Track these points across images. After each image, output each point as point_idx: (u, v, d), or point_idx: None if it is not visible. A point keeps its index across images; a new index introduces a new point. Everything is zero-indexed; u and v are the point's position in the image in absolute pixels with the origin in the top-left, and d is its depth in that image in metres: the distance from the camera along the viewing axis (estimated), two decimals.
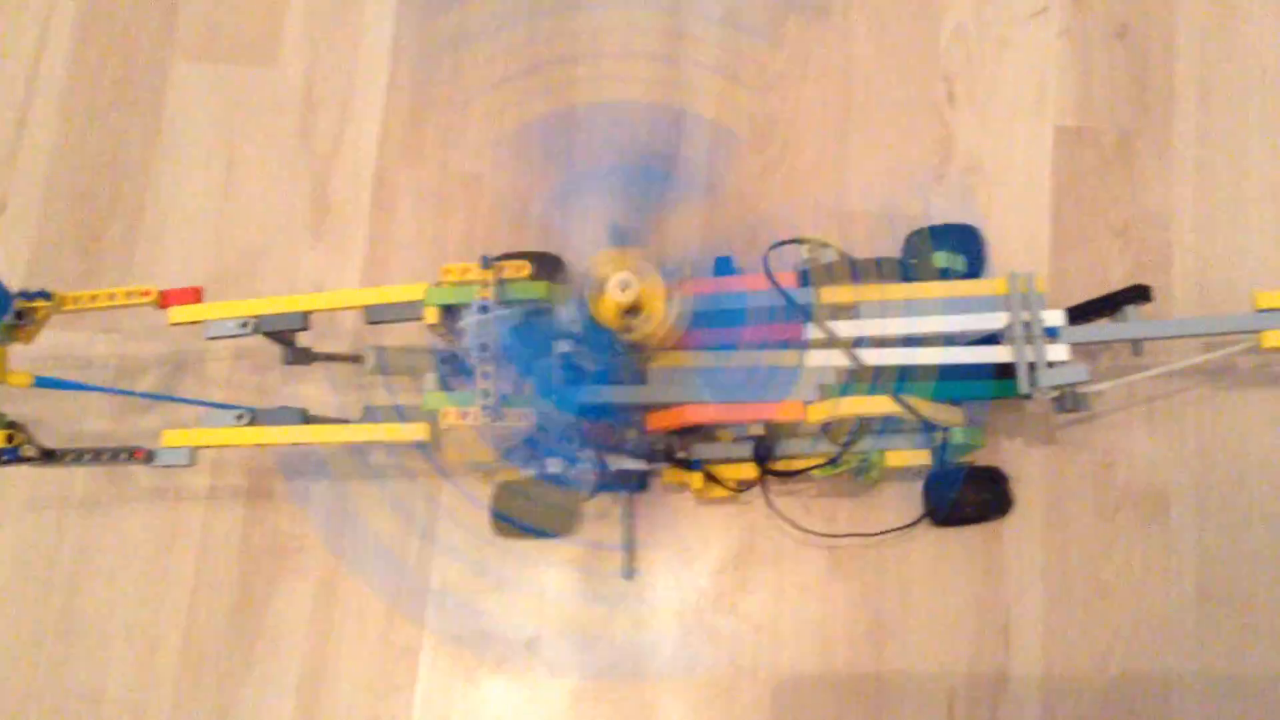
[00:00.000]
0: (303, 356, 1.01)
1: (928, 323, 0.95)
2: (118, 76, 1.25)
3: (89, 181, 1.23)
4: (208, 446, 0.95)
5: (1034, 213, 1.17)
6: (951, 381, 0.95)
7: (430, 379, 0.95)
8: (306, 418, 0.97)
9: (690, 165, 1.16)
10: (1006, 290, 0.96)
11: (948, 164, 1.19)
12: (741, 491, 1.06)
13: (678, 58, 1.21)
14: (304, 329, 0.97)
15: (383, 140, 1.22)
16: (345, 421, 0.97)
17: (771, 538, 1.12)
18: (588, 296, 0.83)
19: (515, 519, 1.06)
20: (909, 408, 0.92)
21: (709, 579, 1.12)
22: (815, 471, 1.00)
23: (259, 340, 1.13)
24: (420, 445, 0.95)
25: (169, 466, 0.95)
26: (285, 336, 0.98)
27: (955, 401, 0.97)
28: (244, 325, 0.95)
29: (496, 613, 1.12)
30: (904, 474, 1.09)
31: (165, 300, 0.96)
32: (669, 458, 1.00)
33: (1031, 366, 0.94)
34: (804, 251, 0.99)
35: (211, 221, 1.21)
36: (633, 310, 0.83)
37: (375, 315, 0.95)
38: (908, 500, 1.11)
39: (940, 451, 1.02)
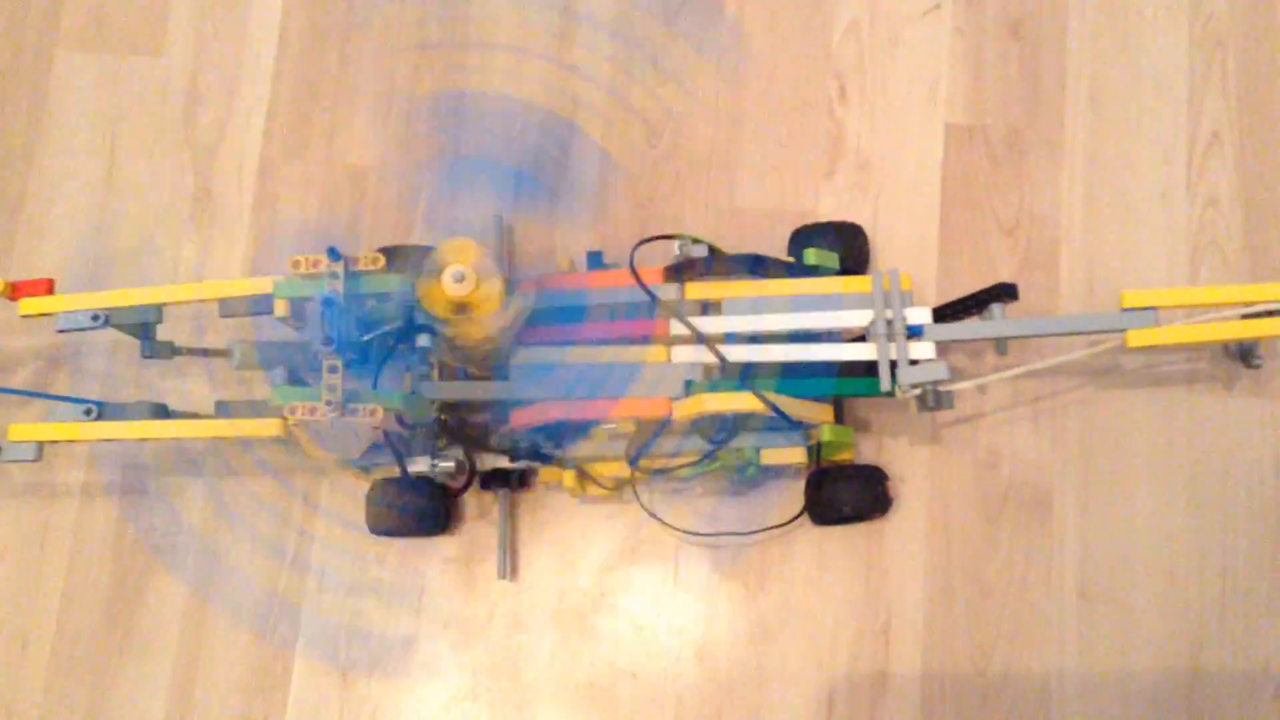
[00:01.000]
0: (164, 349, 0.99)
1: (792, 319, 0.94)
2: (0, 65, 1.23)
3: None
4: (54, 441, 0.93)
5: (923, 211, 1.16)
6: (815, 379, 0.94)
7: (279, 373, 0.94)
8: (165, 412, 0.95)
9: (581, 162, 1.14)
10: (870, 289, 0.95)
11: (838, 161, 1.18)
12: (616, 490, 1.05)
13: (569, 50, 1.20)
14: (158, 321, 0.95)
15: (267, 132, 1.21)
16: (199, 417, 0.95)
17: (655, 537, 1.11)
18: (421, 279, 0.81)
19: (389, 517, 1.04)
20: (772, 406, 0.91)
21: (591, 578, 1.10)
22: (687, 470, 0.99)
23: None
24: (281, 441, 0.93)
25: (13, 461, 0.93)
26: (142, 330, 0.96)
27: (821, 399, 0.96)
28: (95, 318, 0.93)
29: (373, 611, 1.10)
30: (786, 472, 1.08)
31: (15, 291, 0.93)
32: (537, 455, 0.99)
33: (893, 365, 0.93)
34: (677, 247, 0.98)
35: (94, 212, 1.18)
36: (462, 307, 0.82)
37: (227, 309, 0.94)
38: (791, 500, 1.10)
39: (816, 450, 1.01)
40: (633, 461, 1.00)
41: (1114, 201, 1.17)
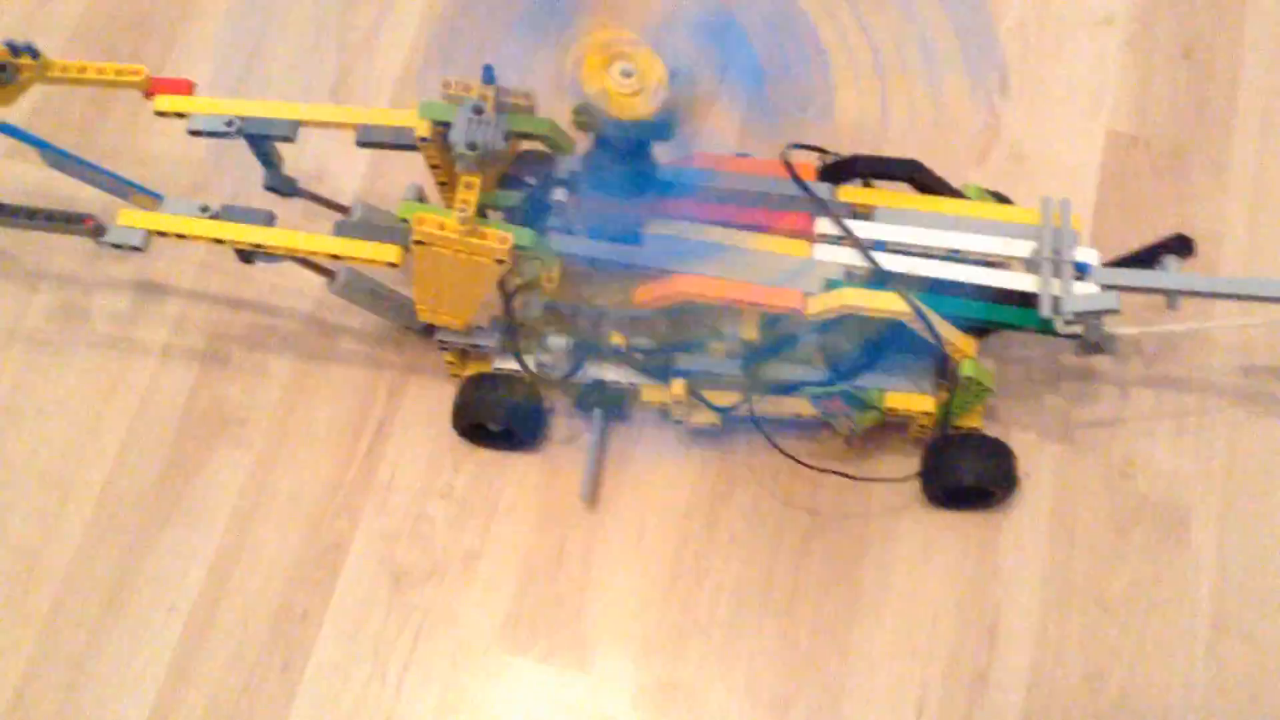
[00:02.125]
0: (285, 184, 0.95)
1: (949, 238, 0.88)
2: None
3: (114, 39, 1.21)
4: (163, 233, 0.88)
5: (1076, 210, 1.10)
6: (966, 301, 0.87)
7: (411, 188, 0.89)
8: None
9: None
10: (1038, 220, 0.89)
11: (991, 149, 1.14)
12: (729, 412, 0.97)
13: None
14: (290, 139, 0.91)
15: (415, 43, 1.20)
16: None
17: (750, 491, 1.02)
18: (589, 56, 0.75)
19: (479, 410, 0.97)
20: (919, 311, 0.84)
21: (674, 523, 1.02)
22: (809, 390, 0.92)
23: (246, 203, 1.09)
24: (391, 266, 0.86)
25: (118, 246, 0.88)
26: (269, 149, 0.93)
27: (968, 329, 0.89)
28: (229, 124, 0.90)
29: (439, 519, 1.02)
30: (901, 443, 1.01)
31: (154, 87, 0.91)
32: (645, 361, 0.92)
33: (1056, 300, 0.86)
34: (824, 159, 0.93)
35: (229, 94, 1.17)
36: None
37: (367, 136, 0.90)
38: (904, 467, 1.02)
39: (945, 406, 0.93)
40: (747, 364, 0.92)
41: (1278, 227, 1.10)
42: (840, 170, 0.90)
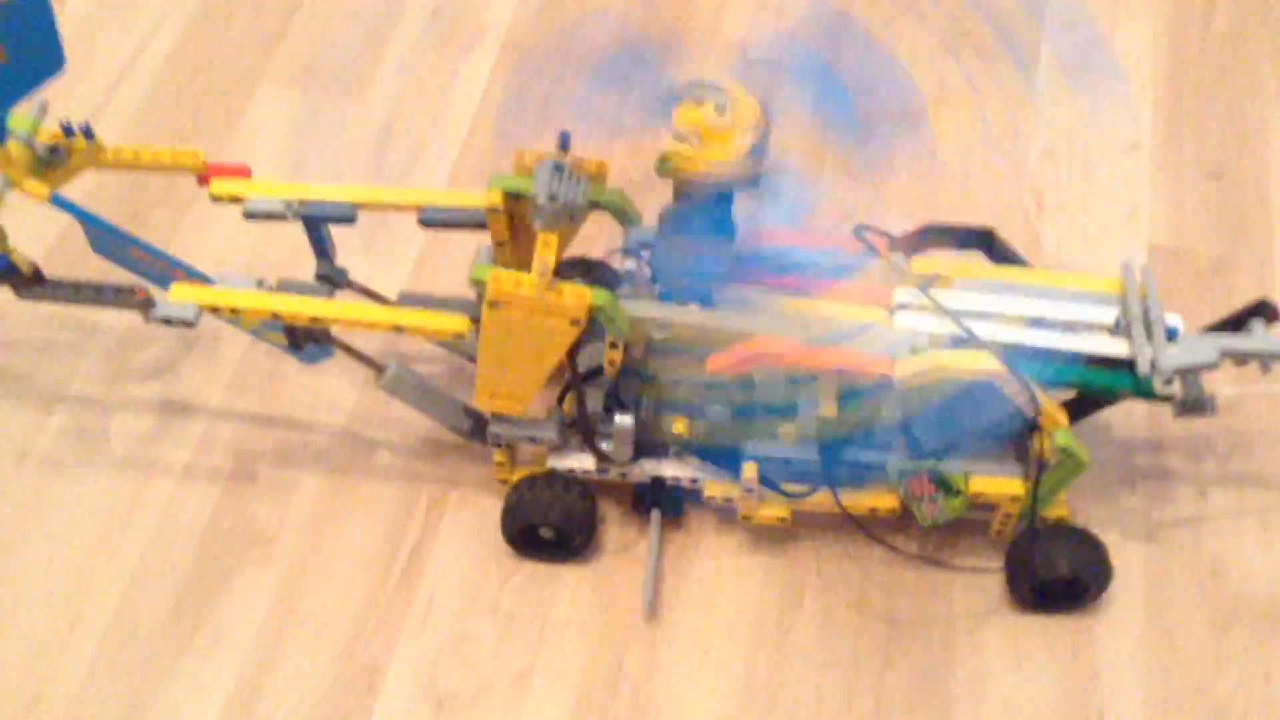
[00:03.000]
0: (338, 274, 0.91)
1: (1032, 306, 0.85)
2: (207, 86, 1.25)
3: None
4: (216, 308, 0.83)
5: None
6: (1061, 365, 0.83)
7: (482, 251, 0.85)
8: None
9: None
10: (1118, 288, 0.87)
11: (1036, 263, 1.13)
12: (804, 497, 0.91)
13: None
14: (350, 220, 0.88)
15: (455, 174, 1.20)
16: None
17: (821, 600, 0.95)
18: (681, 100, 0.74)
19: (533, 510, 0.91)
20: (1014, 372, 0.80)
21: (742, 635, 0.94)
22: (897, 465, 0.86)
23: (257, 380, 1.06)
24: (459, 340, 0.82)
25: (168, 320, 0.83)
26: (324, 235, 0.89)
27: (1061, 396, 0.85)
28: (287, 206, 0.87)
29: (486, 637, 0.94)
30: (980, 549, 0.95)
31: (210, 171, 0.88)
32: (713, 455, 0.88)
33: (1153, 361, 0.82)
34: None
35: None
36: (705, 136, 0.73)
37: (430, 216, 0.87)
38: (983, 581, 0.96)
39: (1033, 492, 0.88)
40: (823, 448, 0.87)
41: None
42: (912, 242, 0.89)
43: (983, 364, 0.81)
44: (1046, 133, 1.23)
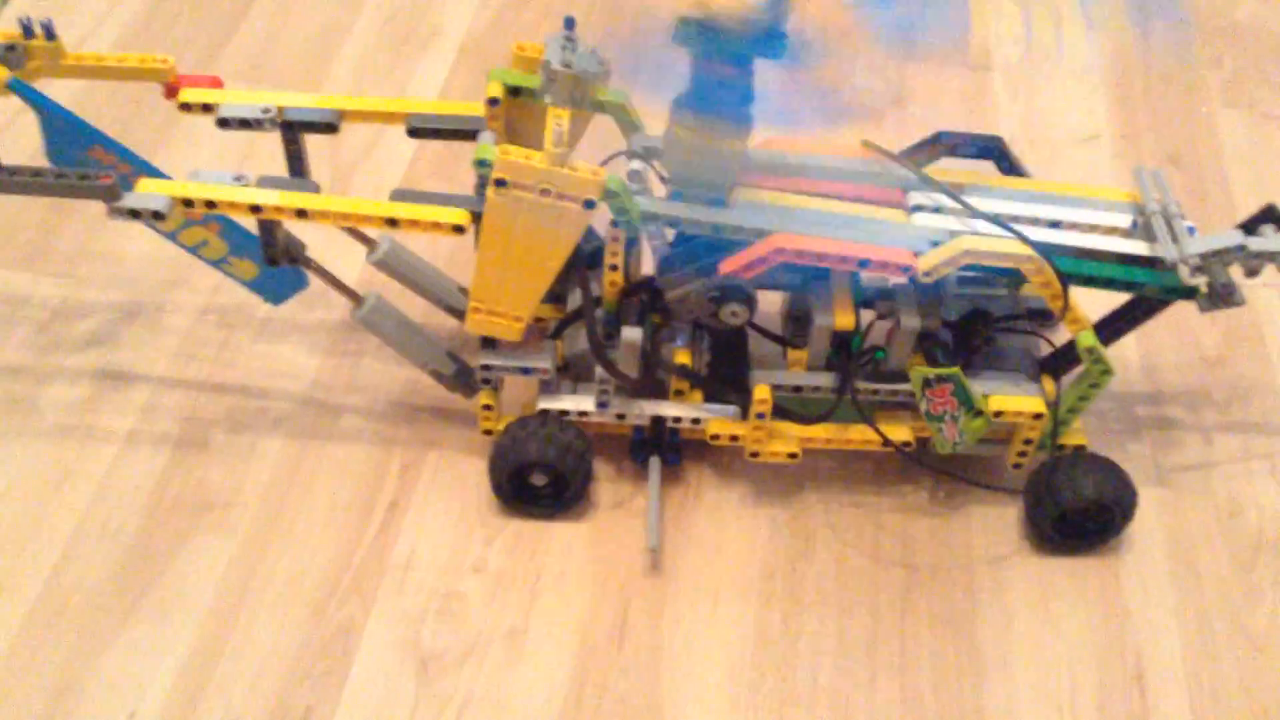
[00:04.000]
0: (311, 189, 0.84)
1: (1050, 210, 0.83)
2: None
3: None
4: (190, 200, 0.75)
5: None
6: (1087, 261, 0.81)
7: (486, 135, 0.79)
8: None
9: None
10: (1127, 198, 0.85)
11: None
12: (817, 420, 0.86)
13: None
14: (333, 130, 0.82)
15: (410, 174, 1.15)
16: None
17: (833, 549, 0.89)
18: None
19: (527, 448, 0.83)
20: (1045, 256, 0.77)
21: (752, 586, 0.86)
22: (920, 372, 0.81)
23: (229, 296, 0.99)
24: (458, 229, 0.75)
25: (138, 210, 0.74)
26: (299, 152, 0.83)
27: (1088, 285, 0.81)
28: (265, 111, 0.81)
29: (473, 595, 0.84)
30: (1005, 481, 0.90)
31: (179, 81, 0.82)
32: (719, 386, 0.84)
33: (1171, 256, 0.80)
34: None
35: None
36: None
37: (417, 122, 0.82)
38: (1001, 519, 0.90)
39: (1055, 411, 0.84)
40: (846, 353, 0.83)
41: None
42: (923, 152, 0.86)
43: (1011, 248, 0.78)
44: (1006, 123, 1.24)
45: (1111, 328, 0.88)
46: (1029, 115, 1.25)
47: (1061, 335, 0.90)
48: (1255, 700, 0.83)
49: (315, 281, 0.95)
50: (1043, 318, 0.93)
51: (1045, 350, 0.91)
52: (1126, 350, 1.03)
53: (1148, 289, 0.82)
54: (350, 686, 0.79)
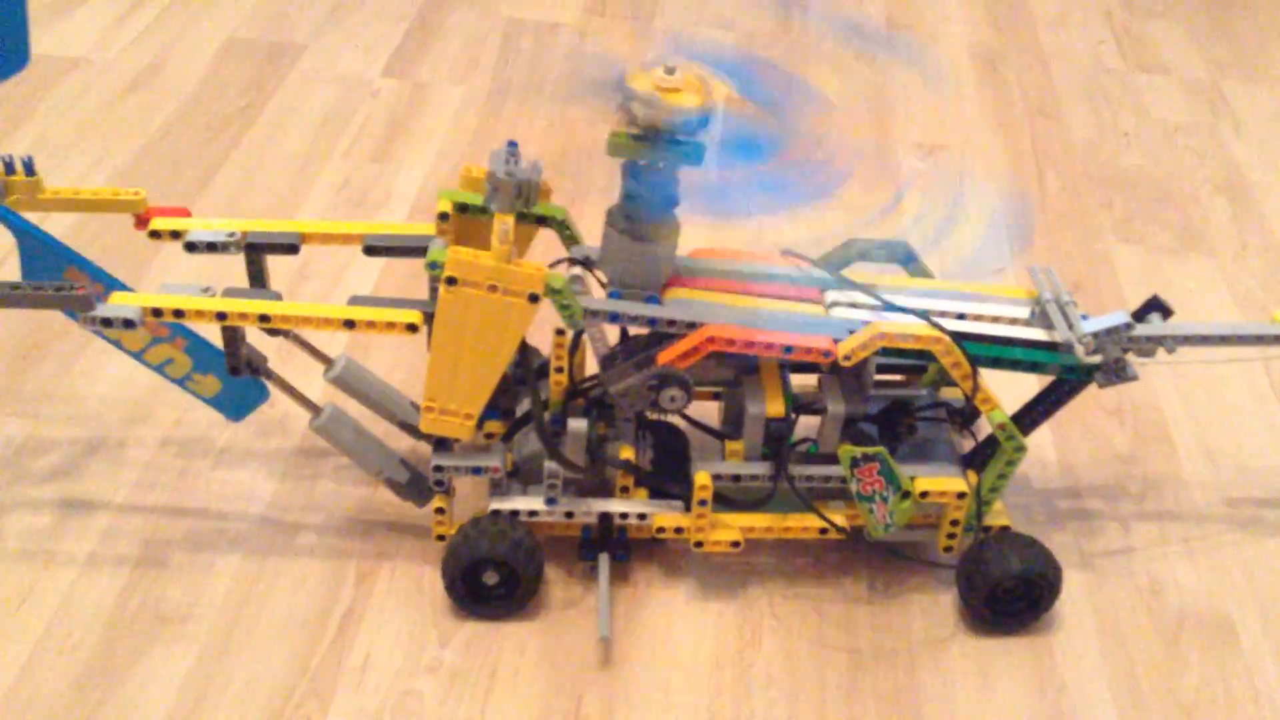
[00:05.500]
0: (250, 365, 0.90)
1: (956, 305, 0.90)
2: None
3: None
4: (158, 310, 0.80)
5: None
6: (990, 346, 0.87)
7: (437, 242, 0.85)
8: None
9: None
10: (1023, 294, 0.93)
11: None
12: (760, 501, 0.91)
13: None
14: (295, 250, 0.88)
15: None
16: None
17: (779, 638, 0.92)
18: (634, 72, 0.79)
19: (484, 545, 0.87)
20: (954, 340, 0.83)
21: (702, 676, 0.89)
22: (847, 453, 0.86)
23: (188, 429, 1.04)
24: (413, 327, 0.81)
25: (111, 320, 0.79)
26: (261, 273, 0.89)
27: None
28: (230, 236, 0.87)
29: (429, 694, 0.86)
30: (934, 573, 0.95)
31: (149, 212, 0.88)
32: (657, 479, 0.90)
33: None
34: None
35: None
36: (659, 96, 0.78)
37: (373, 241, 0.88)
38: (936, 605, 0.94)
39: (978, 490, 0.90)
40: (778, 444, 0.88)
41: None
42: (836, 256, 0.94)
43: (922, 331, 0.85)
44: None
45: (1028, 417, 0.95)
46: (940, 256, 1.35)
47: (981, 432, 0.97)
48: None
49: (271, 411, 1.01)
50: (963, 419, 1.00)
51: (966, 449, 0.98)
52: (1044, 451, 1.10)
53: (1049, 368, 0.89)
54: None
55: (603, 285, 0.87)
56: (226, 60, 1.60)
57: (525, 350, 0.95)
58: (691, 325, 0.85)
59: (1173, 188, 1.48)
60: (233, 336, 0.87)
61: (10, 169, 0.86)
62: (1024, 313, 0.92)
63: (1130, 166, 1.52)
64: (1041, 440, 1.11)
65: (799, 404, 0.91)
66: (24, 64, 0.82)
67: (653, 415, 0.91)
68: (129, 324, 0.80)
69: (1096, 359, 0.89)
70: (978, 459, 0.94)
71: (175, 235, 0.88)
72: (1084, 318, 0.91)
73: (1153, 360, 0.92)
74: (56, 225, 0.92)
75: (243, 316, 0.82)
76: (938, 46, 1.76)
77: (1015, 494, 1.05)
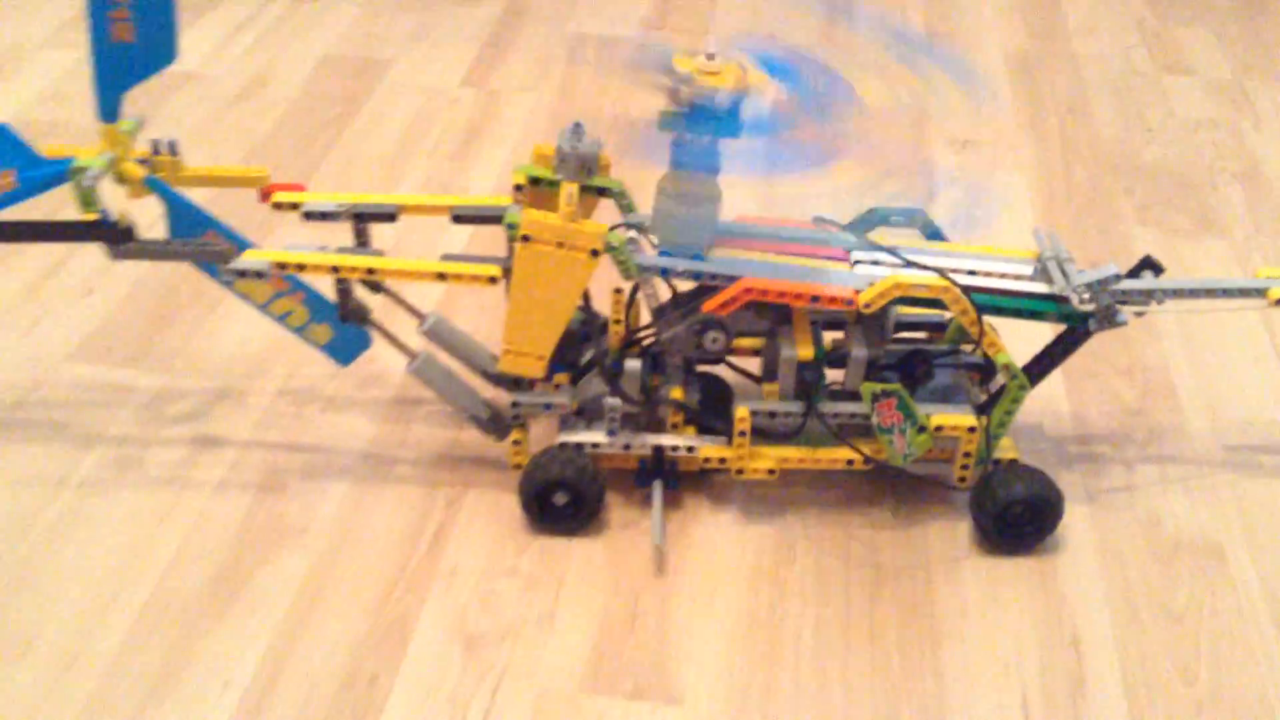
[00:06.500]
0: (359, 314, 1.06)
1: (967, 263, 1.03)
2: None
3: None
4: (285, 265, 0.96)
5: None
6: (996, 297, 1.00)
7: (513, 208, 1.00)
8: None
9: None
10: (1028, 254, 1.06)
11: None
12: (791, 436, 1.05)
13: None
14: (393, 219, 1.04)
15: None
16: None
17: (811, 555, 1.05)
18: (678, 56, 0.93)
19: (553, 468, 1.01)
20: (964, 290, 0.96)
21: (743, 583, 1.02)
22: (869, 388, 0.99)
23: (301, 380, 1.19)
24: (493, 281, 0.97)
25: (244, 272, 0.95)
26: (366, 239, 1.05)
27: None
28: (340, 205, 1.03)
29: (509, 592, 1.01)
30: (949, 496, 1.07)
31: (270, 188, 1.04)
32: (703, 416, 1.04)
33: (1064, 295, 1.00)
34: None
35: None
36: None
37: (459, 211, 1.04)
38: (953, 532, 1.07)
39: (987, 426, 1.02)
40: (812, 385, 1.01)
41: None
42: (861, 222, 1.08)
43: (934, 282, 0.98)
44: None
45: (1038, 367, 1.07)
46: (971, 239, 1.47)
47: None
48: (1176, 660, 0.97)
49: (371, 366, 1.16)
50: (982, 374, 1.12)
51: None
52: (1059, 404, 1.22)
53: (1048, 316, 1.02)
54: (409, 658, 0.95)
55: (654, 247, 1.02)
56: (323, 74, 1.78)
57: (590, 311, 1.10)
58: (731, 278, 0.99)
59: (1191, 177, 1.59)
60: (344, 288, 1.02)
61: (158, 150, 1.03)
62: (1027, 270, 1.05)
63: (1152, 159, 1.63)
64: (1056, 394, 1.23)
65: (827, 352, 1.04)
66: (171, 60, 0.99)
67: (699, 366, 1.05)
68: (260, 275, 0.96)
69: (1090, 307, 1.01)
70: (990, 406, 1.07)
71: (294, 206, 1.05)
72: (1081, 274, 1.03)
73: (1160, 312, 1.04)
74: (196, 197, 1.08)
75: (352, 270, 0.98)
76: (976, 53, 1.88)
77: (1030, 440, 1.17)
